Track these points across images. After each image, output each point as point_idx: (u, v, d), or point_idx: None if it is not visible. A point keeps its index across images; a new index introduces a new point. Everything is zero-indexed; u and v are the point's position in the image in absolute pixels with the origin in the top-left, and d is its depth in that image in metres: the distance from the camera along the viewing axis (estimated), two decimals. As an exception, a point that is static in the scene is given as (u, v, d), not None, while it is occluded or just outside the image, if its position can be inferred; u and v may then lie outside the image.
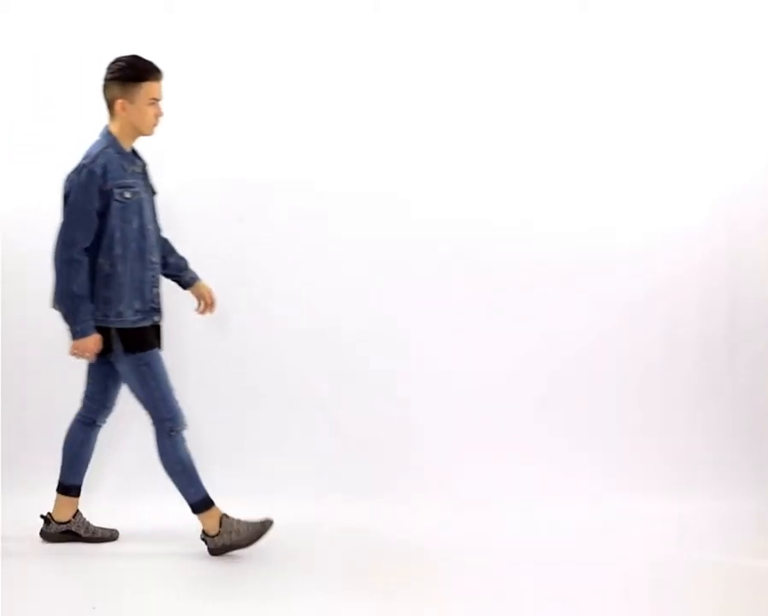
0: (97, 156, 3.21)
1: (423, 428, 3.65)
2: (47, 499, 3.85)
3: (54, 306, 3.29)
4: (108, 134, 3.28)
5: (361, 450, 3.77)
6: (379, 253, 4.08)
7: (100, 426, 3.60)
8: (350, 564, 3.40)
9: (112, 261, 3.23)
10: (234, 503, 3.85)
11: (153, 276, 3.32)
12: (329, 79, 3.97)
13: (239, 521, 3.40)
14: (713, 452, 4.06)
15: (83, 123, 3.95)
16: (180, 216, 3.91)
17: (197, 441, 3.52)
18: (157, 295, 3.33)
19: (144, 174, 3.34)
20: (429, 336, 4.06)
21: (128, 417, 4.05)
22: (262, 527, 3.38)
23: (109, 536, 3.57)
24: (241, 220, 4.01)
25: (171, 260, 3.51)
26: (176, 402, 3.36)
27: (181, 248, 3.61)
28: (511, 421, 4.03)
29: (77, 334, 3.25)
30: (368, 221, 4.06)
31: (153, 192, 3.38)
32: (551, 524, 3.78)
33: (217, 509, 3.40)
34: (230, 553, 3.41)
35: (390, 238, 4.07)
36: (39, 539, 3.59)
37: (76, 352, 3.28)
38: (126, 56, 3.26)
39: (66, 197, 3.26)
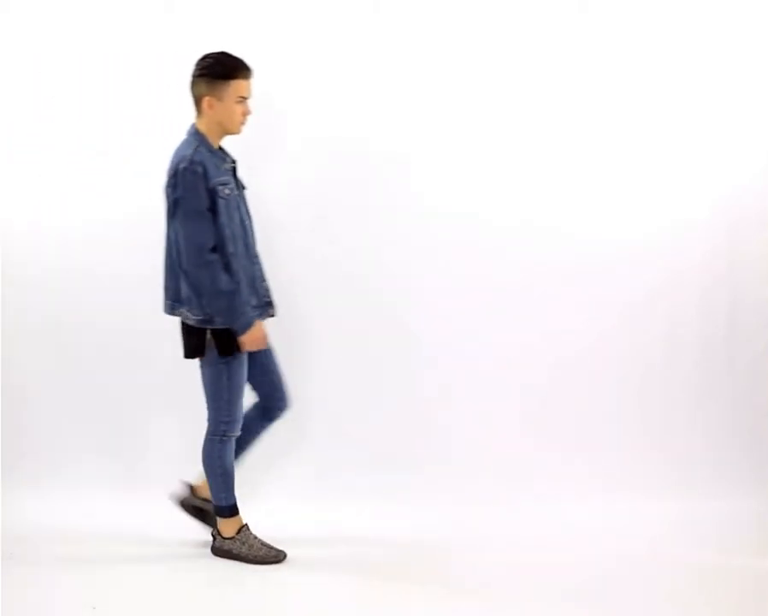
0: (192, 157, 3.13)
1: (423, 427, 3.64)
2: (47, 499, 3.87)
3: (200, 313, 3.22)
4: (196, 133, 3.21)
5: (361, 450, 3.77)
6: (379, 253, 4.08)
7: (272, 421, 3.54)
8: (351, 565, 3.40)
9: (227, 259, 3.18)
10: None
11: (260, 270, 3.34)
12: (329, 79, 3.97)
13: (255, 537, 3.40)
14: (713, 452, 4.06)
15: (83, 123, 3.99)
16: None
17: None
18: (267, 288, 3.36)
19: (233, 171, 3.29)
20: (428, 336, 4.06)
21: (130, 416, 4.07)
22: (275, 556, 3.37)
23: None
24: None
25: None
26: (240, 409, 3.34)
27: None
28: (510, 421, 4.03)
29: (241, 328, 3.19)
30: (367, 220, 4.06)
31: (242, 188, 3.35)
32: (550, 524, 3.77)
33: (240, 518, 3.42)
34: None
35: (389, 236, 4.07)
36: (40, 539, 3.59)
37: (249, 347, 3.24)
38: (214, 53, 3.19)
39: (172, 205, 3.18)
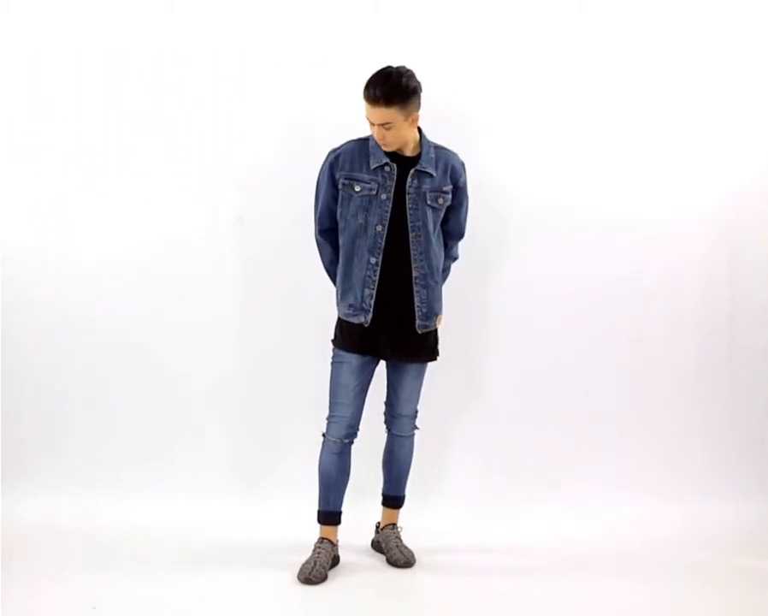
0: (343, 145, 3.25)
1: (423, 427, 3.63)
2: (47, 499, 3.86)
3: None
4: None
5: (362, 450, 3.75)
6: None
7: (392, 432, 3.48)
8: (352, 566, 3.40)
9: (341, 251, 3.27)
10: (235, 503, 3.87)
11: (368, 277, 3.22)
12: (327, 78, 3.96)
13: (328, 562, 3.29)
14: (713, 452, 4.06)
15: (83, 123, 3.99)
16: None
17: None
18: (369, 297, 3.22)
19: (400, 177, 3.19)
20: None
21: (130, 416, 4.07)
22: (316, 574, 3.24)
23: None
24: (241, 220, 4.00)
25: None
26: (342, 412, 3.26)
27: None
28: (510, 420, 4.03)
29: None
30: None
31: (430, 203, 3.23)
32: (550, 524, 3.77)
33: (327, 529, 3.35)
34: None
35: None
36: (40, 539, 3.59)
37: None
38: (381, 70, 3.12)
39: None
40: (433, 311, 3.30)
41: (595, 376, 4.07)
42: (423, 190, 3.21)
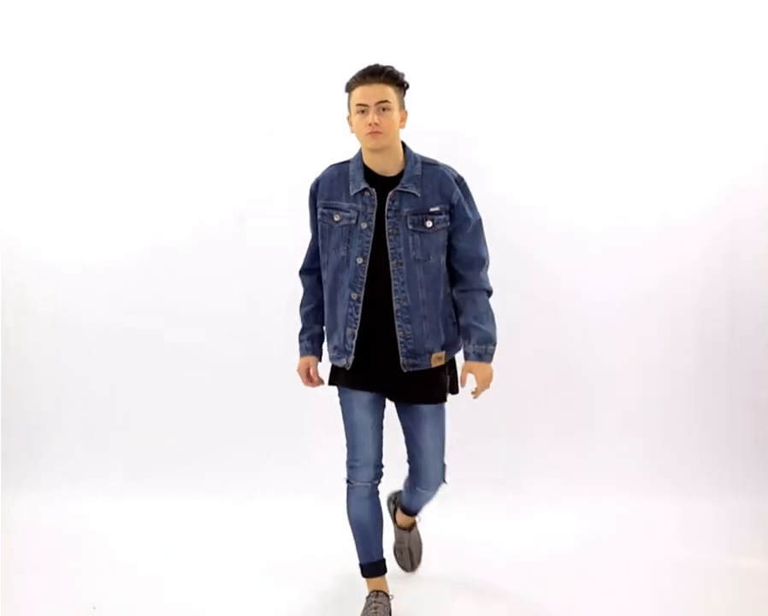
0: (326, 169, 2.92)
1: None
2: (48, 499, 3.87)
3: None
4: (360, 150, 2.88)
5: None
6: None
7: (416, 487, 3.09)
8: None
9: (324, 288, 2.93)
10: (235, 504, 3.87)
11: (350, 315, 2.84)
12: (328, 77, 3.96)
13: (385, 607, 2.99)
14: (713, 452, 4.06)
15: (82, 123, 3.99)
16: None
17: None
18: (351, 337, 2.84)
19: (383, 202, 2.81)
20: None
21: (130, 417, 4.07)
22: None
23: None
24: (241, 220, 4.01)
25: (460, 320, 2.93)
26: (361, 455, 2.89)
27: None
28: (509, 420, 4.03)
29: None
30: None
31: (413, 228, 2.81)
32: (550, 523, 3.78)
33: (375, 581, 3.02)
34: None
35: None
36: (40, 539, 3.60)
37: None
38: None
39: None
40: (424, 348, 2.85)
41: (595, 377, 4.07)
42: (404, 213, 2.80)
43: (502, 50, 3.96)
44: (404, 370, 2.86)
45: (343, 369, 2.89)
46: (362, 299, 2.83)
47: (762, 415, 4.08)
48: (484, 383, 2.88)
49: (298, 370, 2.96)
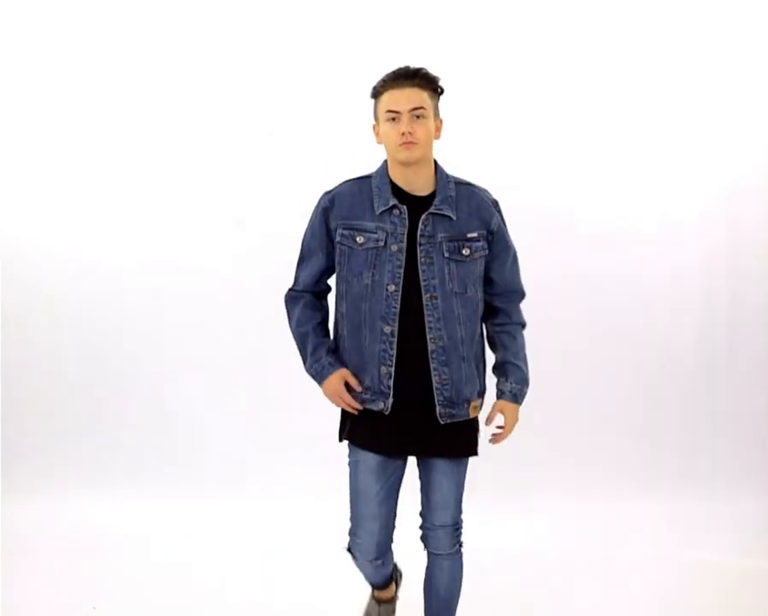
0: (338, 185, 2.54)
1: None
2: (48, 499, 3.87)
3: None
4: (384, 162, 2.53)
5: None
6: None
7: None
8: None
9: (340, 319, 2.54)
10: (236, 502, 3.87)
11: (383, 352, 2.46)
12: (328, 77, 3.97)
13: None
14: (713, 452, 4.06)
15: (82, 124, 3.99)
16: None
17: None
18: (388, 377, 2.45)
19: (414, 222, 2.45)
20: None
21: (130, 417, 4.08)
22: None
23: None
24: (241, 221, 4.01)
25: (497, 356, 2.66)
26: (366, 528, 2.53)
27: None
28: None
29: (315, 378, 2.56)
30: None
31: (449, 255, 2.46)
32: (551, 523, 3.78)
33: (391, 592, 2.88)
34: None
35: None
36: (40, 539, 3.60)
37: (330, 399, 2.56)
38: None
39: None
40: (462, 396, 2.49)
41: (595, 377, 4.07)
42: (439, 238, 2.45)
43: (501, 51, 3.96)
44: (441, 422, 2.47)
45: (356, 423, 2.51)
46: (396, 333, 2.45)
47: (762, 415, 4.08)
48: (512, 427, 2.61)
49: (332, 392, 2.51)
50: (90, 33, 3.95)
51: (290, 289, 2.62)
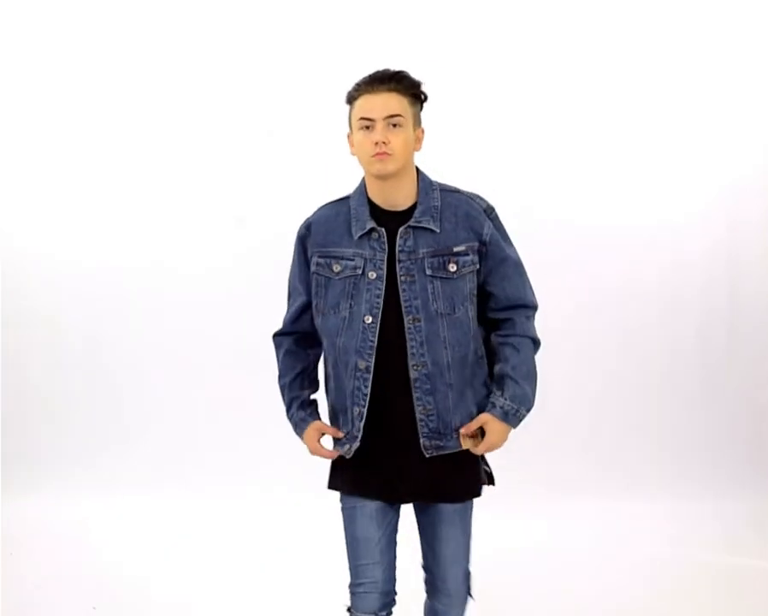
0: (319, 209, 2.31)
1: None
2: (47, 499, 3.87)
3: None
4: (362, 182, 2.28)
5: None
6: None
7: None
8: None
9: (324, 356, 2.33)
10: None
11: (358, 390, 2.21)
12: (327, 77, 3.97)
13: None
14: (713, 452, 4.06)
15: (82, 124, 3.99)
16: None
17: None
18: (358, 418, 2.22)
19: (382, 241, 2.21)
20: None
21: (130, 418, 4.08)
22: None
23: None
24: (241, 221, 4.01)
25: (495, 368, 2.31)
26: (369, 577, 2.29)
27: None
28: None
29: (293, 427, 2.37)
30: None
31: (432, 273, 2.20)
32: (550, 523, 3.78)
33: None
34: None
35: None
36: (40, 539, 3.60)
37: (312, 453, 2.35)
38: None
39: None
40: (450, 426, 2.23)
41: (595, 377, 4.07)
42: (420, 254, 2.20)
43: (500, 52, 3.96)
44: (427, 455, 2.22)
45: (344, 468, 2.29)
46: (371, 368, 2.19)
47: (761, 415, 4.08)
48: (492, 447, 2.28)
49: (311, 447, 2.31)
50: (89, 38, 3.96)
51: (274, 333, 2.39)
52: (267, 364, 3.93)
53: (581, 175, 4.01)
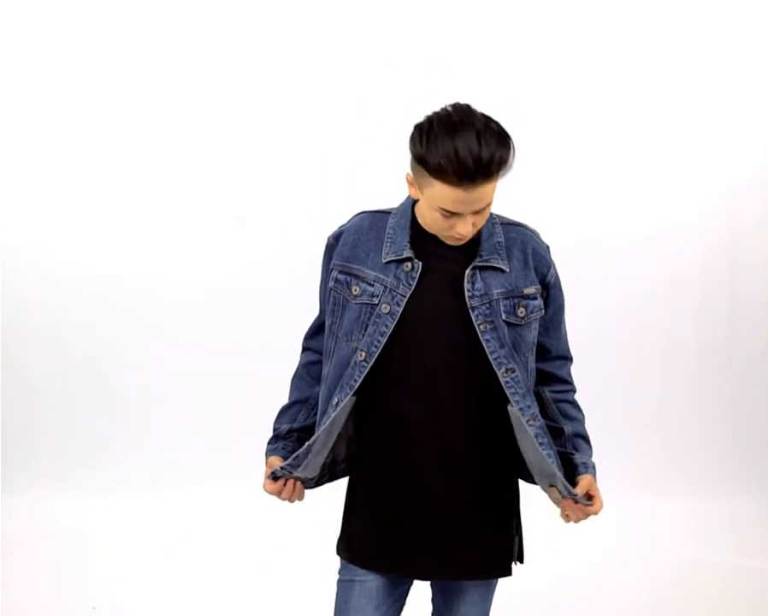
0: (355, 216, 2.02)
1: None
2: (47, 499, 3.87)
3: None
4: (410, 198, 1.95)
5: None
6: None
7: None
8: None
9: (323, 386, 2.04)
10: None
11: (333, 425, 1.91)
12: (328, 77, 3.97)
13: None
14: (713, 452, 4.06)
15: (81, 125, 3.99)
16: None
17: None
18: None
19: (429, 282, 1.89)
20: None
21: (130, 418, 4.08)
22: None
23: None
24: (241, 221, 4.01)
25: (566, 427, 2.20)
26: None
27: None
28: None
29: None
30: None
31: (506, 318, 1.92)
32: (550, 523, 3.77)
33: None
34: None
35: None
36: (40, 539, 3.60)
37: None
38: (445, 109, 1.84)
39: None
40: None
41: (594, 377, 4.06)
42: (495, 296, 1.90)
43: (501, 51, 3.96)
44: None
45: (355, 533, 1.99)
46: (348, 406, 1.90)
47: (761, 415, 4.08)
48: (600, 507, 2.04)
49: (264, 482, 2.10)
50: (87, 40, 3.95)
51: (305, 336, 2.16)
52: (267, 366, 3.98)
53: (581, 176, 4.01)
